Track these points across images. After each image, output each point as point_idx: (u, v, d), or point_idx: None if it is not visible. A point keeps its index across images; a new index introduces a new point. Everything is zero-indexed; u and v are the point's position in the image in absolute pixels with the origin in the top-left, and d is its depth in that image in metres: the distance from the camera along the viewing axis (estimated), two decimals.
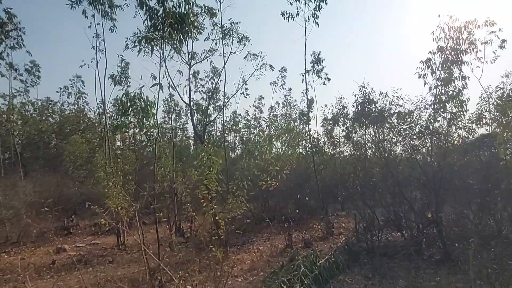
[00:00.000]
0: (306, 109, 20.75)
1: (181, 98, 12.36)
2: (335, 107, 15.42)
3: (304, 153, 17.41)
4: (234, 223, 11.67)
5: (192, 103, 19.22)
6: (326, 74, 19.34)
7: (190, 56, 12.83)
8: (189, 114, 22.78)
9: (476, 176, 8.03)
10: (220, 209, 9.08)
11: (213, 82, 19.79)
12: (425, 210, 8.12)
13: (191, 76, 16.53)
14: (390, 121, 9.69)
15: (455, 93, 10.82)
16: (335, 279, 6.39)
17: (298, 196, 14.60)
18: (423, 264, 7.14)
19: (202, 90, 21.75)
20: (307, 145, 17.33)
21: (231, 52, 13.98)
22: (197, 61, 13.26)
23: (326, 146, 17.41)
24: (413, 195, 8.41)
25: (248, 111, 25.57)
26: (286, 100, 25.78)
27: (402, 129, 9.47)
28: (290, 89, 25.25)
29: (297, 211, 14.00)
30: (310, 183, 15.24)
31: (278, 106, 27.29)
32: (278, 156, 12.72)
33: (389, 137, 9.45)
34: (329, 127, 19.02)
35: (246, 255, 9.66)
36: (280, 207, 15.40)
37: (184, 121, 27.12)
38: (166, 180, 14.85)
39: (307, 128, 19.46)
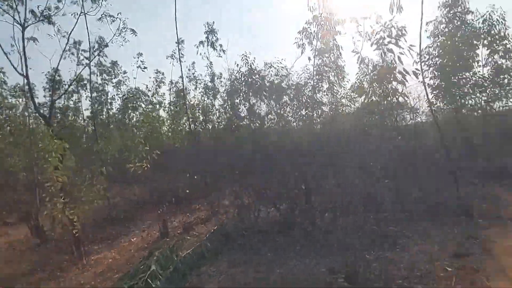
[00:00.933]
0: (210, 83, 19.55)
1: (15, 69, 9.57)
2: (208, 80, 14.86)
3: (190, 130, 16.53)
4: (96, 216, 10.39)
5: None
6: (220, 45, 18.40)
7: (25, 16, 10.05)
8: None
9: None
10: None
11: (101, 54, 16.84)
12: (299, 183, 8.01)
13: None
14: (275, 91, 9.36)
15: (332, 63, 11.33)
16: (196, 272, 5.68)
17: (188, 175, 13.80)
18: (292, 241, 6.96)
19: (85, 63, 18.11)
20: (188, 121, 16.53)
21: (82, 12, 11.71)
22: (34, 22, 10.40)
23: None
24: (286, 168, 8.20)
25: (147, 85, 22.54)
26: (191, 74, 23.62)
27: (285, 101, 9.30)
28: (193, 63, 23.00)
29: (187, 191, 13.20)
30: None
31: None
32: (146, 135, 11.44)
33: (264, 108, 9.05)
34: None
35: (112, 251, 8.34)
36: (170, 188, 14.32)
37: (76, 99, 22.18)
38: (20, 170, 12.13)
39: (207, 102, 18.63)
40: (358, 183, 7.37)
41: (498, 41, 11.70)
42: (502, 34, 11.68)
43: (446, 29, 12.42)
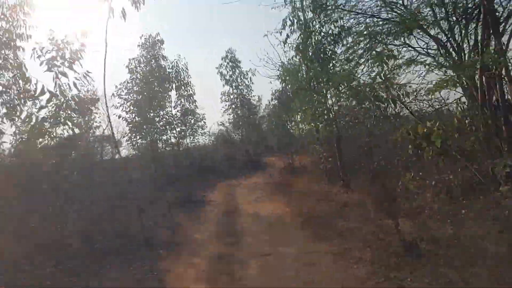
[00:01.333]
0: None
1: None
2: None
3: None
4: None
5: None
6: None
7: None
8: None
9: None
10: None
11: None
12: None
13: None
14: None
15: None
16: None
17: None
18: None
19: None
20: None
21: None
22: None
23: None
24: None
25: None
26: None
27: None
28: None
29: None
30: None
31: None
32: None
33: None
34: None
35: None
36: None
37: None
38: None
39: None
40: None
41: (183, 87, 13.97)
42: (186, 81, 14.17)
43: (145, 69, 13.37)
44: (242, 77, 20.31)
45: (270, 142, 16.86)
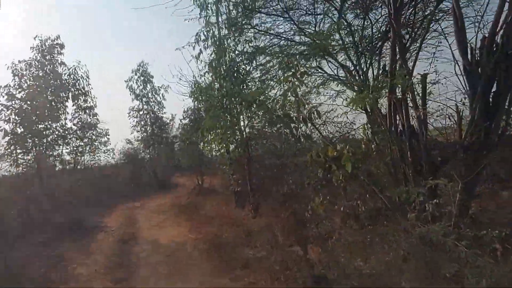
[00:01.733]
0: None
1: None
2: None
3: None
4: None
5: None
6: None
7: None
8: None
9: None
10: None
11: None
12: None
13: None
14: None
15: None
16: None
17: None
18: None
19: None
20: None
21: None
22: None
23: None
24: None
25: None
26: None
27: None
28: None
29: None
30: None
31: None
32: None
33: None
34: None
35: None
36: None
37: None
38: None
39: None
40: None
41: (82, 97, 12.42)
42: (85, 90, 12.60)
43: (36, 74, 11.54)
44: (153, 92, 19.40)
45: (180, 162, 16.19)
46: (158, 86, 19.40)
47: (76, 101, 12.01)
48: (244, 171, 9.28)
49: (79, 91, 11.93)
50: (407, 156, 4.65)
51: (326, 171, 5.03)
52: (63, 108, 11.78)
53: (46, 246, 7.65)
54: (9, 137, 9.73)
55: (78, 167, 16.54)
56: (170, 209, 11.87)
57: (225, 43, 9.19)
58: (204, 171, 15.95)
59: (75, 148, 12.07)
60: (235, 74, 9.18)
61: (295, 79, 4.11)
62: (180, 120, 15.90)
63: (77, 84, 11.92)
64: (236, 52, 9.34)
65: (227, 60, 9.12)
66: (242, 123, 9.03)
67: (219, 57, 8.84)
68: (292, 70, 4.49)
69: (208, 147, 11.23)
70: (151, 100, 19.36)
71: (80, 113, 12.88)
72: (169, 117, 20.65)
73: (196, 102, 16.09)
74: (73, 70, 11.84)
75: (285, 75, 5.36)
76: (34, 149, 10.40)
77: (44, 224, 9.08)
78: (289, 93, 3.94)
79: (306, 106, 4.09)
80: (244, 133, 8.97)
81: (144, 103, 19.20)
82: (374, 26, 6.95)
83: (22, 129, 10.11)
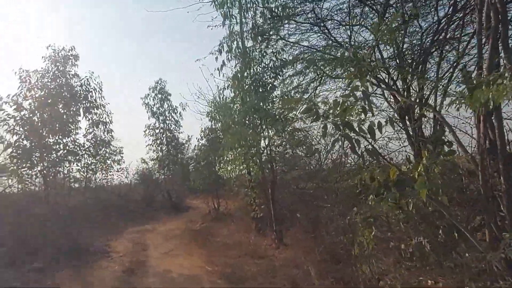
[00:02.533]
0: None
1: None
2: None
3: None
4: None
5: None
6: None
7: None
8: None
9: None
10: None
11: None
12: None
13: None
14: None
15: None
16: None
17: None
18: None
19: None
20: None
21: None
22: None
23: None
24: None
25: None
26: None
27: None
28: None
29: None
30: None
31: None
32: None
33: None
34: None
35: None
36: None
37: None
38: None
39: None
40: None
41: (93, 110, 11.71)
42: (98, 103, 11.97)
43: (50, 85, 11.05)
44: (171, 111, 18.93)
45: (195, 184, 15.33)
46: (175, 105, 18.97)
47: (87, 115, 11.29)
48: (268, 195, 8.26)
49: (91, 104, 11.27)
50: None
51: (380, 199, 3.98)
52: (75, 122, 11.13)
53: (41, 273, 6.73)
54: (11, 149, 9.04)
55: (90, 185, 15.91)
56: (183, 235, 10.84)
57: (250, 54, 8.47)
58: (220, 194, 14.96)
59: (86, 165, 11.33)
60: (260, 89, 8.37)
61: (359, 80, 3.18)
62: (197, 139, 15.15)
63: (89, 96, 11.29)
64: (262, 64, 8.60)
65: (252, 73, 8.36)
66: (266, 141, 8.11)
67: (243, 69, 8.10)
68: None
69: (227, 168, 10.34)
70: (168, 118, 18.87)
71: (94, 128, 12.30)
72: (185, 138, 20.08)
73: (213, 122, 15.60)
74: (85, 81, 11.31)
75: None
76: (41, 164, 9.72)
77: (43, 247, 8.19)
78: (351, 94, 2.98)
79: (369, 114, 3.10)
80: (268, 151, 8.04)
81: (160, 121, 18.71)
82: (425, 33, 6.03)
83: (27, 142, 9.45)
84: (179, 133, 19.21)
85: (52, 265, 7.32)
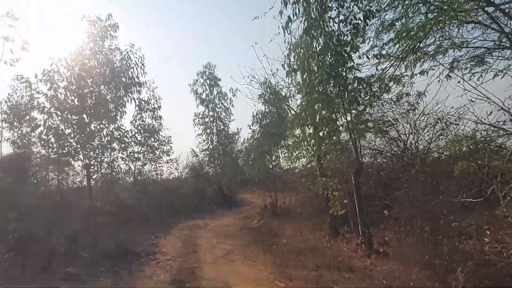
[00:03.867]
0: None
1: None
2: None
3: None
4: None
5: None
6: None
7: None
8: None
9: None
10: None
11: None
12: None
13: None
14: None
15: None
16: None
17: None
18: None
19: None
20: None
21: None
22: None
23: None
24: None
25: None
26: None
27: None
28: None
29: None
30: None
31: None
32: None
33: None
34: None
35: None
36: None
37: None
38: None
39: None
40: None
41: (137, 87, 10.06)
42: (140, 80, 10.43)
43: (88, 62, 9.75)
44: (221, 98, 17.52)
45: (249, 176, 13.75)
46: (225, 92, 17.51)
47: (130, 95, 9.79)
48: (350, 186, 6.23)
49: (132, 81, 9.84)
50: None
51: None
52: (121, 105, 9.85)
53: (74, 281, 5.48)
54: (42, 130, 7.90)
55: (139, 177, 15.10)
56: (238, 233, 9.25)
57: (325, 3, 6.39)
58: (277, 187, 13.17)
59: (132, 154, 10.15)
60: (338, 49, 6.29)
61: None
62: (249, 126, 13.46)
63: (129, 72, 10.02)
64: (341, 17, 6.50)
65: (326, 28, 6.30)
66: (348, 117, 6.03)
67: (316, 21, 6.08)
68: None
69: (291, 154, 8.46)
70: (218, 106, 17.48)
71: (141, 114, 11.19)
72: (235, 128, 18.59)
73: (267, 106, 13.78)
74: (126, 55, 10.06)
75: None
76: (82, 152, 8.63)
77: (81, 249, 7.08)
78: None
79: None
80: (352, 131, 5.98)
81: (210, 109, 17.37)
82: None
83: (63, 126, 8.27)
84: (229, 121, 17.76)
85: (90, 270, 6.10)
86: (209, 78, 17.20)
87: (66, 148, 8.06)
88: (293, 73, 6.16)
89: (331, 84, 5.94)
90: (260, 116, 13.30)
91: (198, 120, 17.47)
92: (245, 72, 18.32)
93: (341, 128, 5.98)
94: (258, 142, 12.82)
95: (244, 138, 25.34)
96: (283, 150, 13.33)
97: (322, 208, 8.12)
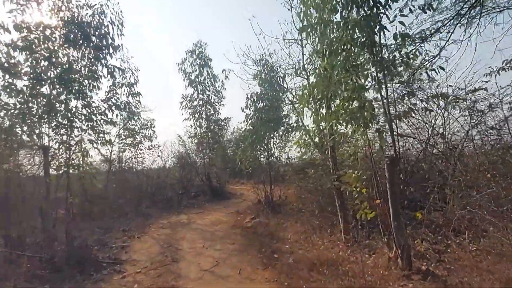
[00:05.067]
0: None
1: None
2: None
3: None
4: None
5: None
6: None
7: None
8: None
9: None
10: None
11: None
12: None
13: None
14: None
15: None
16: None
17: None
18: None
19: None
20: None
21: None
22: None
23: None
24: None
25: None
26: None
27: None
28: None
29: None
30: None
31: None
32: None
33: None
34: None
35: None
36: None
37: None
38: None
39: None
40: None
41: (109, 50, 7.56)
42: (116, 43, 7.96)
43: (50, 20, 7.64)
44: (211, 79, 15.73)
45: (242, 166, 12.14)
46: (216, 73, 15.71)
47: (103, 61, 7.67)
48: (379, 180, 4.67)
49: (105, 43, 7.64)
50: None
51: None
52: (93, 77, 7.78)
53: None
54: None
55: (117, 165, 13.32)
56: (230, 234, 7.67)
57: None
58: (274, 179, 11.60)
59: (101, 136, 8.26)
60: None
61: None
62: (242, 109, 11.81)
63: (102, 30, 7.61)
64: None
65: None
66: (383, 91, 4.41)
67: None
68: None
69: (300, 139, 6.88)
70: (208, 88, 15.69)
71: (115, 88, 9.33)
72: (226, 115, 16.84)
73: (265, 86, 12.10)
74: (98, 10, 7.65)
75: None
76: (38, 129, 6.80)
77: (20, 257, 5.37)
78: None
79: None
80: (386, 108, 4.36)
81: (199, 92, 15.57)
82: None
83: (16, 97, 6.50)
84: (220, 105, 16.00)
85: (33, 283, 4.45)
86: (199, 58, 15.37)
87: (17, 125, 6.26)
88: (310, 30, 4.49)
89: (359, 43, 4.31)
90: (255, 98, 11.65)
91: (186, 103, 15.68)
92: (239, 50, 16.62)
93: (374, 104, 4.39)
94: (254, 127, 11.19)
95: (234, 128, 23.73)
96: (281, 137, 11.78)
97: (332, 205, 6.61)
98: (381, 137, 3.73)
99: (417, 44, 4.49)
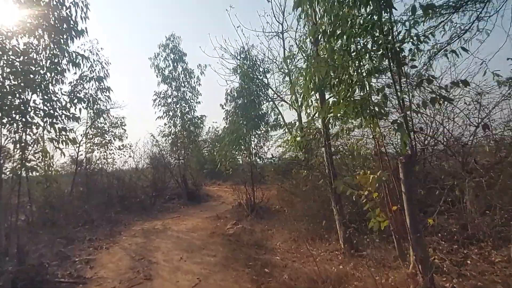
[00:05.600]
0: None
1: None
2: None
3: None
4: None
5: None
6: None
7: None
8: None
9: None
10: None
11: None
12: None
13: None
14: None
15: None
16: None
17: None
18: None
19: None
20: None
21: None
22: None
23: None
24: None
25: None
26: None
27: None
28: None
29: None
30: None
31: None
32: None
33: None
34: None
35: None
36: None
37: None
38: None
39: None
40: None
41: (69, 34, 6.57)
42: (79, 27, 6.74)
43: None
44: (186, 75, 14.84)
45: (221, 167, 11.35)
46: (191, 69, 14.83)
47: (54, 38, 6.37)
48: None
49: (66, 25, 6.48)
50: None
51: None
52: (54, 70, 6.73)
53: None
54: None
55: (86, 166, 12.14)
56: (210, 243, 6.93)
57: None
58: (256, 180, 10.96)
59: (62, 134, 7.21)
60: None
61: None
62: (221, 105, 11.12)
63: (63, 12, 6.39)
64: None
65: None
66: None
67: None
68: None
69: (294, 136, 6.26)
70: (183, 84, 14.78)
71: (82, 81, 8.30)
72: (201, 114, 15.86)
73: (245, 80, 11.39)
74: None
75: None
76: None
77: None
78: None
79: None
80: (400, 101, 3.81)
81: (174, 88, 14.63)
82: None
83: None
84: (196, 102, 15.11)
85: None
86: (173, 52, 14.43)
87: None
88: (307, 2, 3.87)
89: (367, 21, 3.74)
90: (235, 94, 10.97)
91: (159, 101, 14.67)
92: (216, 43, 15.81)
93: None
94: (234, 125, 10.49)
95: (209, 127, 22.84)
96: (263, 135, 11.18)
97: (324, 209, 6.08)
98: (402, 130, 3.16)
99: (445, 16, 3.93)
